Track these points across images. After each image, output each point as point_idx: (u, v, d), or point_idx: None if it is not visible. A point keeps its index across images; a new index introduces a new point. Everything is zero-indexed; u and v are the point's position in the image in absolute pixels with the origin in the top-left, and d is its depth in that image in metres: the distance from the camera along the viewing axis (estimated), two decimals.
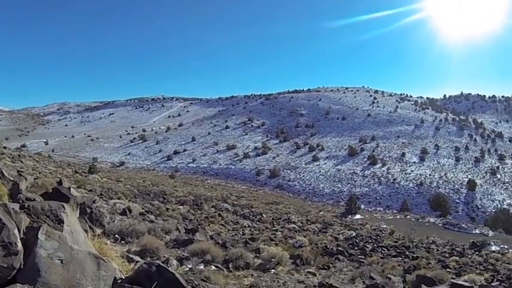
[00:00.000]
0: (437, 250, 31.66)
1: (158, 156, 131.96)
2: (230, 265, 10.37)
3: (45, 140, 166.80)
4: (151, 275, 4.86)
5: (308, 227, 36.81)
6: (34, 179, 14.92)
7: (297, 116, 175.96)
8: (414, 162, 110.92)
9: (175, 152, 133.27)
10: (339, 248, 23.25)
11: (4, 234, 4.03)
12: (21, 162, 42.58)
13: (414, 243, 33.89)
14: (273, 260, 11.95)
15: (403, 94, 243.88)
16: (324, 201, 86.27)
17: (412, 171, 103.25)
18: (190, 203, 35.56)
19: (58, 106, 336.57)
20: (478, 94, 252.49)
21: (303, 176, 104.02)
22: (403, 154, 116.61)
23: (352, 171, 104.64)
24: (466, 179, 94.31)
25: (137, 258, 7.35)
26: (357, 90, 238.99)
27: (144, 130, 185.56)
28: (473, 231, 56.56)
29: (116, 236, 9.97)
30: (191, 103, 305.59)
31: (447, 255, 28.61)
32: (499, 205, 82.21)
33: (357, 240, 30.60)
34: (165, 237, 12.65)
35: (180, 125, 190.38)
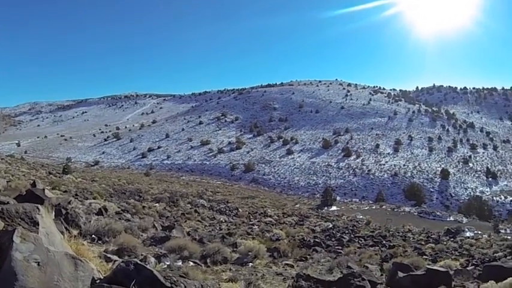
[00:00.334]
0: (414, 238, 32.21)
1: (132, 154, 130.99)
2: (208, 260, 10.38)
3: (17, 142, 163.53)
4: (129, 273, 4.84)
5: (284, 220, 36.98)
6: (7, 182, 14.71)
7: (270, 110, 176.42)
8: (388, 154, 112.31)
9: (150, 150, 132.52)
10: (316, 240, 23.41)
11: None
12: None
13: (390, 233, 34.38)
14: (250, 253, 11.99)
15: (377, 87, 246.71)
16: (299, 194, 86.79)
17: (387, 162, 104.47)
18: (166, 200, 35.40)
19: (29, 106, 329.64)
20: (449, 86, 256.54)
21: (278, 169, 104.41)
22: (377, 146, 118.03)
23: (326, 163, 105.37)
24: (440, 169, 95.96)
25: (115, 257, 7.30)
26: (330, 84, 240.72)
27: (117, 128, 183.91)
28: (448, 219, 57.56)
29: (93, 236, 9.88)
30: (164, 99, 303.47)
31: (423, 242, 29.15)
32: (471, 193, 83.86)
33: (334, 232, 30.86)
34: (142, 235, 12.59)
35: (154, 122, 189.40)
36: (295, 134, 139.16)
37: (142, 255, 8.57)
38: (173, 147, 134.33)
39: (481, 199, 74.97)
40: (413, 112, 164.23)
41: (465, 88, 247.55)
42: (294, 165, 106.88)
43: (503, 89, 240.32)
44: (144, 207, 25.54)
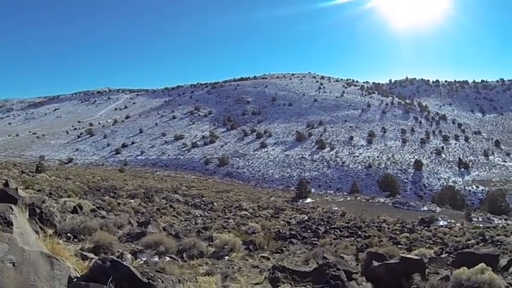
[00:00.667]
0: (389, 228, 32.65)
1: (106, 150, 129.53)
2: (184, 255, 10.39)
3: None
4: (106, 270, 4.86)
5: (260, 213, 37.08)
6: None
7: (243, 103, 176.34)
8: (362, 145, 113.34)
9: (124, 145, 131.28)
10: (292, 232, 23.52)
11: None
12: None
13: (366, 223, 34.73)
14: (226, 247, 12.04)
15: (350, 79, 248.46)
16: (274, 186, 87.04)
17: (360, 154, 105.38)
18: (141, 196, 35.21)
19: (0, 104, 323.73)
20: (422, 79, 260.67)
21: (252, 163, 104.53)
22: (351, 138, 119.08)
23: (300, 156, 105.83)
24: (413, 160, 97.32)
25: (91, 255, 7.28)
26: (303, 77, 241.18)
27: (91, 124, 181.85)
28: (422, 209, 58.42)
29: (68, 234, 9.80)
30: (137, 94, 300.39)
31: (398, 232, 29.60)
32: (444, 183, 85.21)
33: (309, 224, 31.03)
34: (117, 232, 12.53)
35: (127, 118, 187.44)
36: (268, 127, 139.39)
37: (118, 252, 8.54)
38: (147, 143, 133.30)
39: (453, 189, 76.13)
40: (387, 104, 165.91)
41: (437, 81, 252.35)
42: (268, 158, 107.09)
43: (474, 82, 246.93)
44: (119, 203, 25.35)
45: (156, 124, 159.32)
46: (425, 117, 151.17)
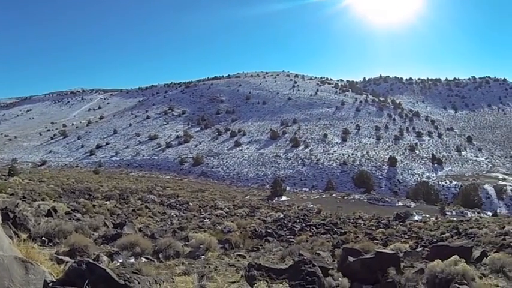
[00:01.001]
0: (364, 224, 33.04)
1: (80, 151, 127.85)
2: (160, 255, 10.37)
3: None
4: (82, 273, 4.86)
5: (235, 212, 37.16)
6: None
7: (217, 102, 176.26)
8: (336, 143, 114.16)
9: (98, 146, 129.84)
10: (268, 230, 23.61)
11: None
12: None
13: (341, 220, 35.09)
14: (202, 246, 12.04)
15: (324, 77, 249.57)
16: (249, 185, 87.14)
17: (335, 151, 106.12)
18: (116, 198, 34.91)
19: None
20: (396, 77, 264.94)
21: (226, 162, 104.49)
22: (325, 135, 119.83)
23: (275, 154, 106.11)
24: (387, 156, 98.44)
25: (67, 258, 7.21)
26: (277, 75, 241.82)
27: (64, 125, 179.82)
28: (397, 204, 59.21)
29: (43, 238, 9.70)
30: (111, 94, 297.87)
31: (374, 228, 29.99)
32: (418, 178, 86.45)
33: (285, 221, 31.21)
34: (93, 234, 12.44)
35: (101, 118, 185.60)
36: (242, 126, 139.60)
37: (94, 254, 8.50)
38: (121, 143, 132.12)
39: (427, 184, 77.33)
40: (361, 102, 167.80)
41: (411, 79, 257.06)
42: (243, 157, 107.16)
43: (446, 79, 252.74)
44: (94, 205, 25.09)
45: (130, 124, 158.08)
46: (399, 115, 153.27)
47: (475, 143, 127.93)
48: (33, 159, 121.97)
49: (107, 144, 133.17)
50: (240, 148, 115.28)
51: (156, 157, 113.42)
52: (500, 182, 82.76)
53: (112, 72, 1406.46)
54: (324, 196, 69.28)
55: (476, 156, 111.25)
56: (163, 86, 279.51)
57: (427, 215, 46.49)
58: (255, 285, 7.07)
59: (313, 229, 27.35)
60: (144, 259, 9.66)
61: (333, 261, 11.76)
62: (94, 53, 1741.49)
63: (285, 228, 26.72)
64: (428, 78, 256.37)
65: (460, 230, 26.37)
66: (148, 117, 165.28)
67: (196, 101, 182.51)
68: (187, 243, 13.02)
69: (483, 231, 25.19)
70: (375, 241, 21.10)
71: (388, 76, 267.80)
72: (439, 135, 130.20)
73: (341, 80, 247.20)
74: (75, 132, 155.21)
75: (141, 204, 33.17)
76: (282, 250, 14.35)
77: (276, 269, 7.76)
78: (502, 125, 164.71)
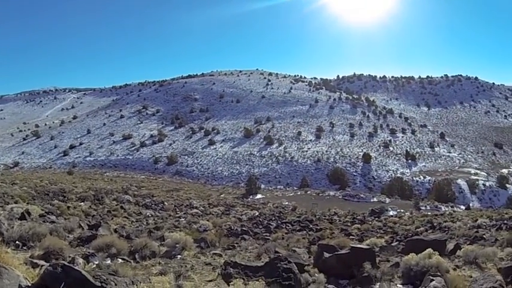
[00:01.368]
0: (340, 220, 33.34)
1: (54, 152, 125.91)
2: (136, 256, 10.33)
3: None
4: (57, 276, 4.85)
5: (211, 211, 37.16)
6: None
7: (191, 101, 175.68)
8: (310, 140, 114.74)
9: (72, 147, 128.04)
10: (244, 228, 23.72)
11: None
12: None
13: (317, 217, 35.31)
14: (177, 245, 12.02)
15: (298, 75, 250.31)
16: (223, 184, 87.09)
17: (309, 148, 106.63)
18: (91, 199, 34.53)
19: None
20: (369, 75, 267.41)
21: (201, 160, 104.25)
22: (299, 133, 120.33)
23: (249, 152, 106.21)
24: (362, 153, 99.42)
25: (42, 262, 7.14)
26: (251, 73, 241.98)
27: (37, 126, 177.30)
28: (372, 200, 59.90)
29: (17, 242, 9.57)
30: (85, 94, 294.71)
31: (349, 224, 30.32)
32: (393, 174, 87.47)
33: (261, 219, 31.31)
34: (68, 237, 12.32)
35: (75, 118, 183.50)
36: (216, 125, 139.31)
37: (70, 257, 8.44)
38: (95, 143, 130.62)
39: (401, 180, 78.30)
40: (335, 100, 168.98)
41: (384, 77, 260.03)
42: (217, 155, 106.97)
43: (420, 77, 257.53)
44: (69, 207, 24.83)
45: (104, 124, 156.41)
46: (373, 112, 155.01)
47: (447, 139, 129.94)
48: (5, 161, 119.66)
49: (80, 144, 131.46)
50: (214, 147, 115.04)
51: (130, 157, 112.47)
52: (473, 177, 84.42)
53: (85, 71, 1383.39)
54: (298, 193, 69.60)
55: (449, 152, 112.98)
56: (137, 84, 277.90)
57: (402, 210, 47.19)
58: (232, 283, 7.12)
59: (288, 226, 27.47)
60: (120, 260, 9.63)
61: (309, 257, 11.88)
62: (67, 51, 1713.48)
63: (260, 226, 26.84)
64: (401, 76, 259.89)
65: (434, 224, 26.91)
66: (122, 117, 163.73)
67: (170, 99, 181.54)
68: (163, 243, 12.99)
69: (457, 224, 25.80)
70: (351, 237, 21.34)
71: (362, 74, 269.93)
72: (413, 132, 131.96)
73: (315, 78, 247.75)
74: (48, 133, 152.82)
75: (116, 205, 32.93)
76: (258, 248, 14.38)
77: (252, 266, 7.83)
78: (474, 121, 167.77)
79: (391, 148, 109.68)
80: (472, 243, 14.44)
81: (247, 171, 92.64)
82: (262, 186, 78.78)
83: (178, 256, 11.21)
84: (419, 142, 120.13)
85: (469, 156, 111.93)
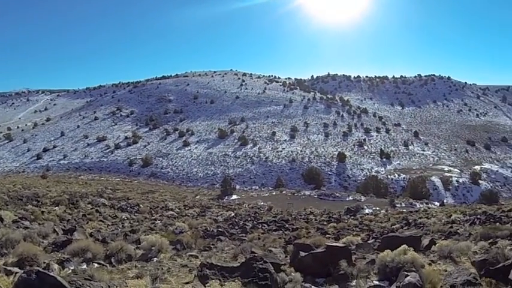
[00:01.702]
0: (316, 219, 33.51)
1: (27, 156, 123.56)
2: (112, 260, 10.29)
3: None
4: (32, 283, 4.85)
5: (186, 212, 37.02)
6: None
7: (165, 102, 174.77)
8: (285, 140, 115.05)
9: (45, 150, 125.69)
10: (220, 229, 23.70)
11: None
12: None
13: (293, 216, 35.44)
14: (153, 248, 12.03)
15: (272, 76, 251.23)
16: (198, 185, 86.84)
17: (284, 148, 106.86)
18: (65, 203, 34.10)
19: None
20: (344, 75, 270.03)
21: (176, 162, 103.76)
22: (274, 133, 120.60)
23: (223, 153, 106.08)
24: (336, 152, 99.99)
25: (16, 269, 7.08)
26: (225, 74, 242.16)
27: (9, 128, 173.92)
28: (347, 199, 60.21)
29: None
30: (58, 95, 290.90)
31: (325, 223, 30.49)
32: (368, 173, 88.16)
33: (237, 220, 31.32)
34: (42, 242, 12.20)
35: (48, 120, 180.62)
36: (191, 126, 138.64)
37: (44, 262, 8.39)
38: (69, 146, 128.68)
39: (376, 178, 78.94)
40: (309, 100, 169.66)
41: (359, 77, 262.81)
42: (191, 156, 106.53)
43: (393, 77, 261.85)
44: (43, 212, 24.49)
45: (78, 126, 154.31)
46: (347, 111, 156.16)
47: (421, 137, 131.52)
48: None
49: (54, 147, 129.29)
50: (189, 148, 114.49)
51: (105, 159, 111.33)
52: (446, 174, 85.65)
53: (58, 72, 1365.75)
54: (274, 193, 69.67)
55: (423, 150, 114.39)
56: (111, 86, 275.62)
57: (378, 208, 47.58)
58: (208, 284, 7.20)
59: (264, 226, 27.52)
60: (96, 264, 9.60)
61: (286, 257, 11.98)
62: (39, 52, 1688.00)
63: (236, 227, 26.86)
64: (375, 76, 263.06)
65: (410, 221, 27.33)
66: (96, 118, 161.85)
67: (145, 100, 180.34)
68: (139, 246, 12.97)
69: (431, 220, 26.28)
70: (327, 236, 21.49)
71: (336, 74, 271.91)
72: (387, 131, 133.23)
73: (289, 79, 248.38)
74: (21, 136, 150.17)
75: (91, 209, 32.62)
76: (234, 248, 14.44)
77: (228, 267, 7.91)
78: (447, 120, 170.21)
79: (365, 147, 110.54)
80: (446, 238, 14.77)
81: (222, 172, 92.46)
82: (238, 186, 78.74)
83: (155, 259, 11.22)
84: (394, 141, 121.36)
85: (443, 154, 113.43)
